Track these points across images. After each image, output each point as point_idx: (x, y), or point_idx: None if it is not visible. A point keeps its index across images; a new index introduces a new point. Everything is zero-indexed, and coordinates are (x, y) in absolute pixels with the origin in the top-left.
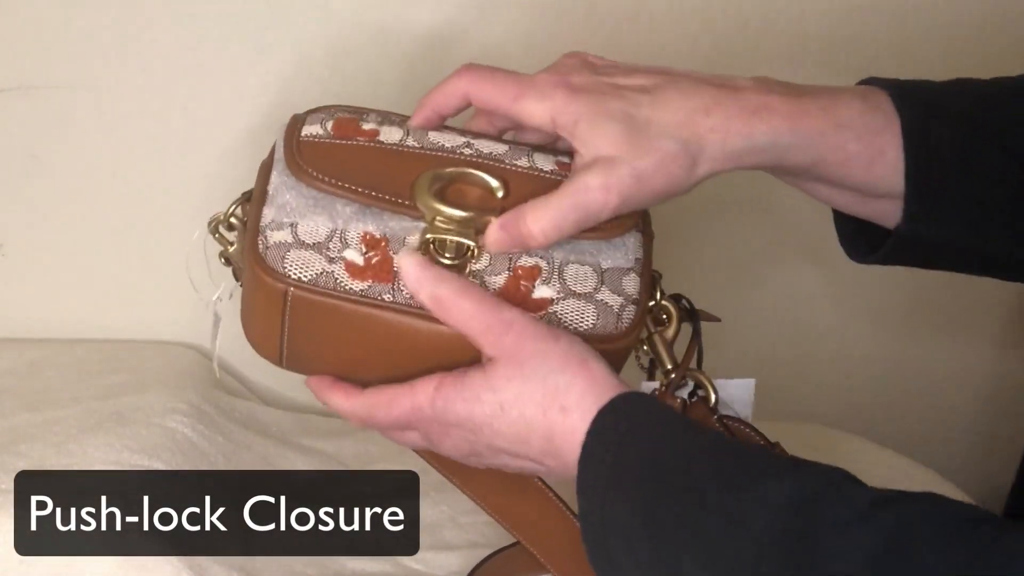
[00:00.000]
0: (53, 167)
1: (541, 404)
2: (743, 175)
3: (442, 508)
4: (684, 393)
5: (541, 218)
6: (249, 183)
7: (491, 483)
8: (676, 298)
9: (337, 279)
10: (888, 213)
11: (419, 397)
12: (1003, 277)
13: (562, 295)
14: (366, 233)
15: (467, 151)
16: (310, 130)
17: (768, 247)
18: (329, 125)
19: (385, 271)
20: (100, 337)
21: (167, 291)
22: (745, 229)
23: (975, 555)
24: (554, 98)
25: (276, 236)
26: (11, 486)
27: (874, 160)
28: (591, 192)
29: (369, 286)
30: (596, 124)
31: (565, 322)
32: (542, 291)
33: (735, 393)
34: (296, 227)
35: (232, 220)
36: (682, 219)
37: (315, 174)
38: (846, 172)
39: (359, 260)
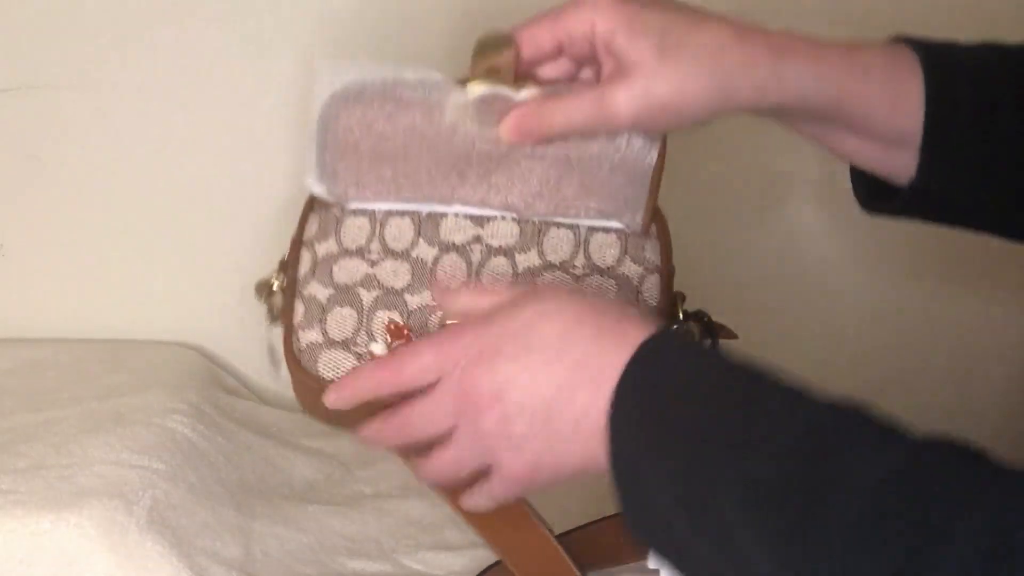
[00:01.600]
0: (53, 167)
1: (578, 315)
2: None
3: (442, 508)
4: None
5: (557, 111)
6: (249, 183)
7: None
8: (698, 316)
9: None
10: (905, 168)
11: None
12: (1014, 239)
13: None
14: (390, 322)
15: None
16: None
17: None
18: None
19: None
20: (100, 337)
21: (167, 291)
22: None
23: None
24: (597, 5)
25: (307, 337)
26: (11, 486)
27: (896, 105)
28: (611, 103)
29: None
30: (632, 37)
31: None
32: None
33: None
34: (325, 323)
35: (274, 285)
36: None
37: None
38: (868, 116)
39: (384, 353)
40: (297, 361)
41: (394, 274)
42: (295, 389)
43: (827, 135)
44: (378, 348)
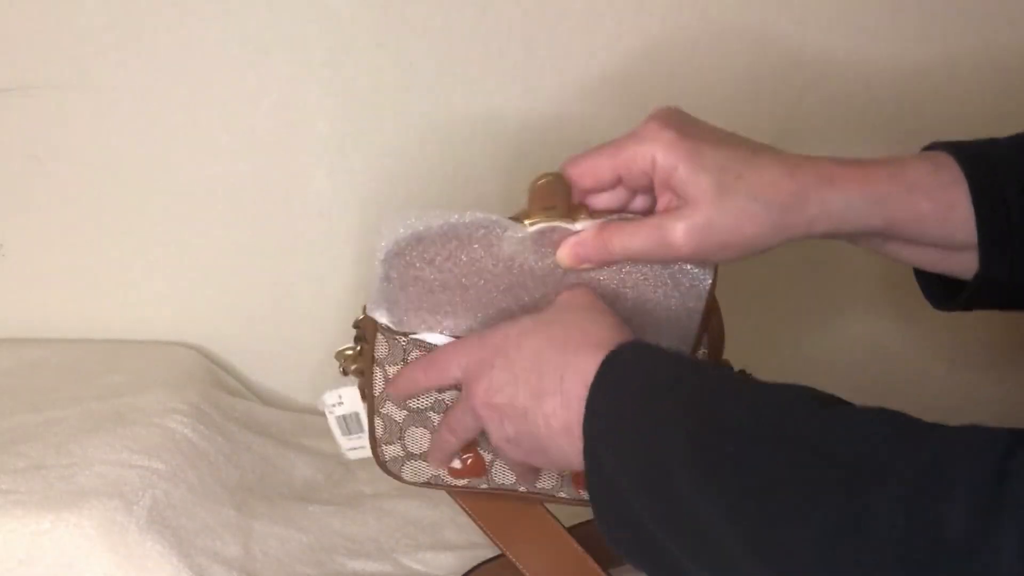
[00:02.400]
0: (53, 167)
1: (567, 334)
2: None
3: (442, 508)
4: None
5: (615, 237)
6: (249, 183)
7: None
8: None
9: (444, 479)
10: (966, 265)
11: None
12: None
13: None
14: None
15: None
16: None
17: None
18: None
19: (478, 469)
20: (100, 337)
21: (167, 291)
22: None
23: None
24: (659, 140)
25: (390, 451)
26: (11, 486)
27: (947, 216)
28: (671, 234)
29: (468, 481)
30: (692, 173)
31: None
32: None
33: None
34: (404, 441)
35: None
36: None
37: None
38: (922, 230)
39: (458, 465)
40: (384, 466)
41: (455, 399)
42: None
43: (883, 247)
44: (456, 463)
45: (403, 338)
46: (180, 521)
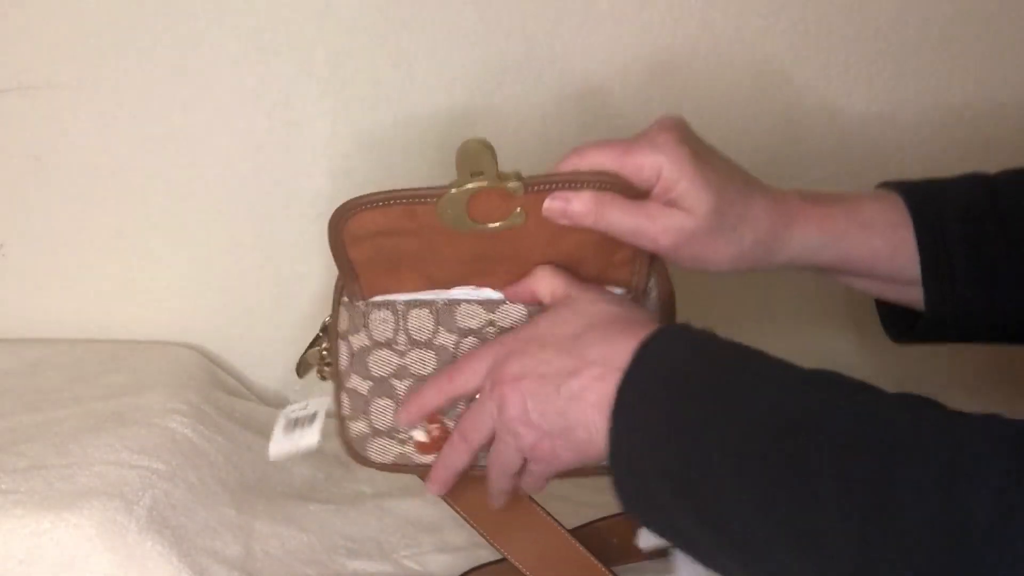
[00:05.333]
0: (53, 167)
1: (605, 319)
2: None
3: (443, 508)
4: None
5: (614, 208)
6: (249, 183)
7: (483, 501)
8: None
9: (410, 458)
10: (919, 299)
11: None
12: None
13: None
14: None
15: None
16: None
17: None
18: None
19: (446, 441)
20: (100, 337)
21: (167, 291)
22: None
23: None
24: (672, 155)
25: (356, 428)
26: (11, 486)
27: (895, 252)
28: (659, 225)
29: (435, 457)
30: (696, 190)
31: None
32: None
33: None
34: (369, 416)
35: (323, 352)
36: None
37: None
38: (873, 265)
39: (424, 439)
40: (350, 446)
41: (422, 362)
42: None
43: (841, 279)
44: (419, 435)
45: (362, 303)
46: (180, 521)
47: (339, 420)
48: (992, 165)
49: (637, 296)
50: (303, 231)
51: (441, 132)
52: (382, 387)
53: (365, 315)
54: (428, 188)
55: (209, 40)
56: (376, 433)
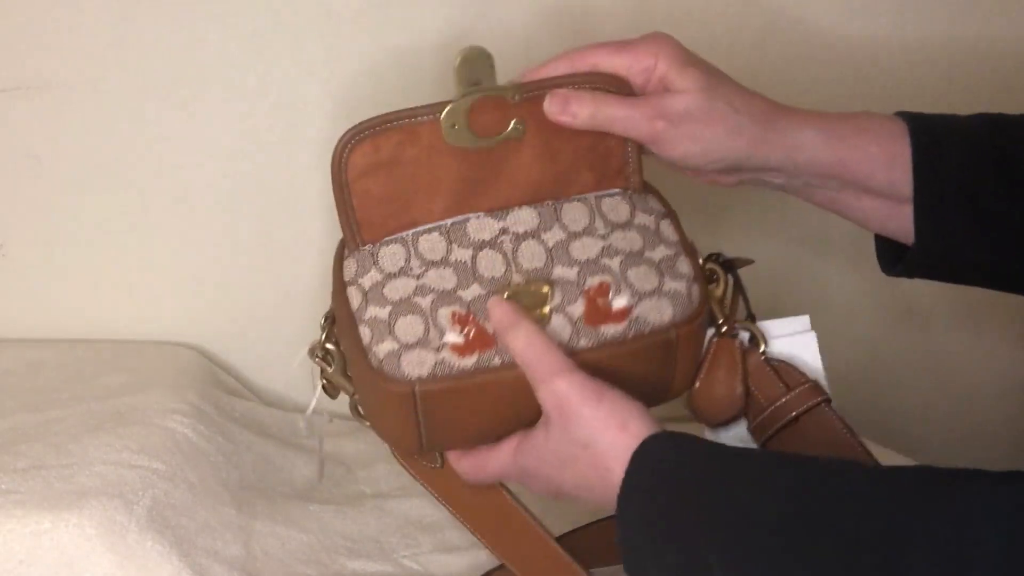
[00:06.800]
0: (53, 167)
1: (591, 463)
2: None
3: (443, 509)
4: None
5: (610, 104)
6: (249, 183)
7: (480, 510)
8: (714, 257)
9: (450, 363)
10: (910, 228)
11: (503, 458)
12: (1018, 292)
13: (636, 299)
14: (454, 313)
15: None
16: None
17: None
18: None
19: (484, 340)
20: (100, 337)
21: (167, 291)
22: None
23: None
24: (664, 45)
25: (383, 348)
26: (11, 486)
27: (893, 163)
28: (654, 107)
29: (478, 358)
30: (688, 72)
31: (650, 321)
32: (619, 302)
33: (789, 330)
34: (395, 334)
35: (328, 346)
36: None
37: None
38: (869, 172)
39: (460, 340)
40: (380, 373)
41: (441, 279)
42: (372, 412)
43: (838, 200)
44: (453, 337)
45: (368, 246)
46: (180, 521)
47: (359, 357)
48: (998, 102)
49: (636, 193)
50: (303, 231)
51: None
52: (404, 306)
53: (373, 254)
54: (427, 105)
55: (209, 40)
56: (407, 347)
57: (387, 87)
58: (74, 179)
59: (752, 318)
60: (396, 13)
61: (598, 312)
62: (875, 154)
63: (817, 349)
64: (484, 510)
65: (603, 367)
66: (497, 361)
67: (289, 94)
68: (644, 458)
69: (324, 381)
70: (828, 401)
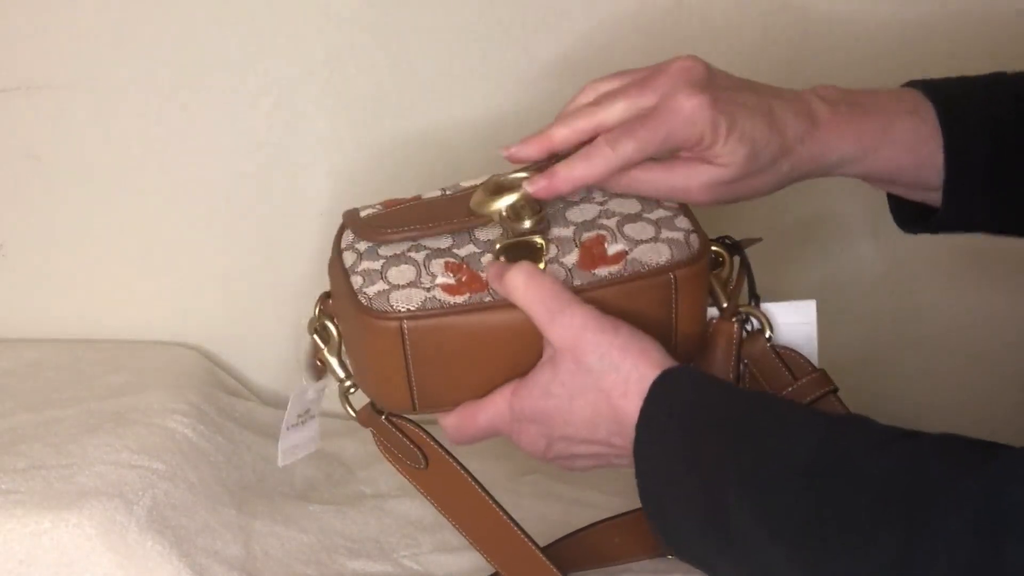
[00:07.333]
0: (53, 167)
1: (605, 391)
2: None
3: None
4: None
5: (639, 181)
6: (249, 183)
7: (477, 521)
8: (721, 240)
9: (440, 300)
10: (936, 199)
11: (497, 405)
12: None
13: (632, 245)
14: (447, 262)
15: None
16: (366, 212)
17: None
18: (379, 206)
19: (476, 282)
20: (100, 337)
21: (167, 291)
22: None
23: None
24: (694, 116)
25: (374, 288)
26: (11, 486)
27: (921, 166)
28: (694, 183)
29: (468, 297)
30: (728, 145)
31: (646, 262)
32: (614, 248)
33: (794, 318)
34: (387, 277)
35: (326, 322)
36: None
37: (386, 231)
38: (896, 176)
39: (452, 281)
40: (368, 311)
41: (436, 241)
42: (360, 361)
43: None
44: (445, 280)
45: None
46: (180, 521)
47: (349, 300)
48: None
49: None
50: (303, 231)
51: (441, 132)
52: (398, 259)
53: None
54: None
55: (209, 40)
56: (397, 288)
57: (388, 88)
58: (74, 179)
59: (756, 299)
60: (396, 12)
61: (592, 258)
62: (905, 164)
63: (816, 336)
64: (468, 511)
65: (601, 306)
66: (488, 300)
67: (289, 94)
68: (665, 386)
69: (318, 361)
70: (835, 391)
